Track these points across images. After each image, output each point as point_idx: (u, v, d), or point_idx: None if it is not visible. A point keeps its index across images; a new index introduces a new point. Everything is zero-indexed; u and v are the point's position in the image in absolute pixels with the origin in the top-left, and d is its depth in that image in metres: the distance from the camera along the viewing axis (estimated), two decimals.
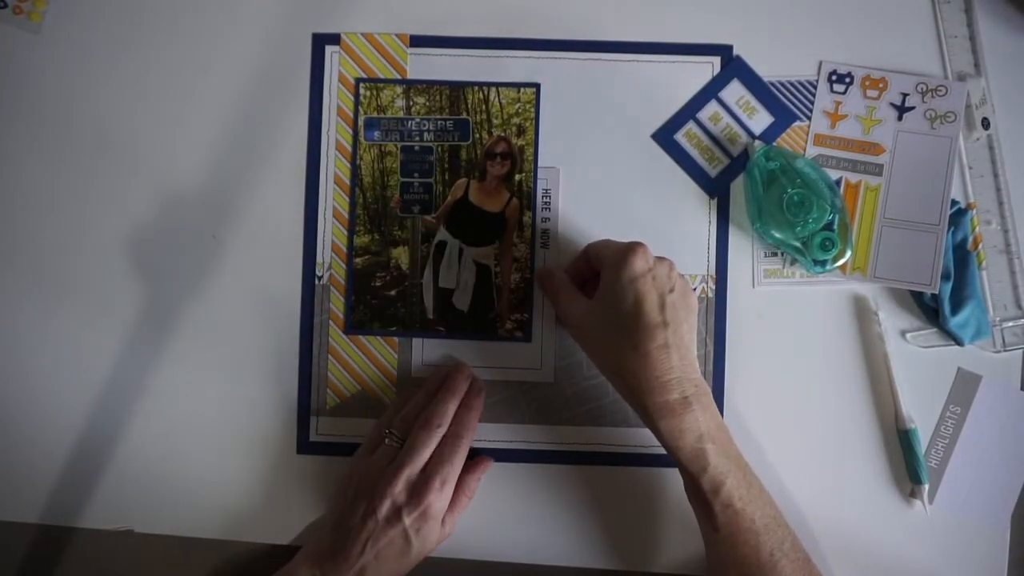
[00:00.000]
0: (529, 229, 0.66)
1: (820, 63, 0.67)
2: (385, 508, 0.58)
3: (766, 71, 0.67)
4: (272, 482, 0.66)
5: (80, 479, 0.66)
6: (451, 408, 0.62)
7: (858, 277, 0.66)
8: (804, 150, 0.66)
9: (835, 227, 0.63)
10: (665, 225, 0.67)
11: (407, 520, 0.58)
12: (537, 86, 0.67)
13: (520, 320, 0.66)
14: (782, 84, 0.67)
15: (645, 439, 0.64)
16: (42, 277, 0.66)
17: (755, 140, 0.66)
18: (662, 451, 0.61)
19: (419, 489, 0.58)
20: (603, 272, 0.58)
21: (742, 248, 0.66)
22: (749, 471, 0.58)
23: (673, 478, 0.65)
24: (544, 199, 0.67)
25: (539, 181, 0.66)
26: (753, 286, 0.66)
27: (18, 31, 0.67)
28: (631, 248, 0.57)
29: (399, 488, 0.58)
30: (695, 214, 0.67)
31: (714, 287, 0.66)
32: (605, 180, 0.67)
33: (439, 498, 0.58)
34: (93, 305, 0.66)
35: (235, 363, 0.66)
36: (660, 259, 0.58)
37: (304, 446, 0.66)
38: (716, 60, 0.67)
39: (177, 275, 0.66)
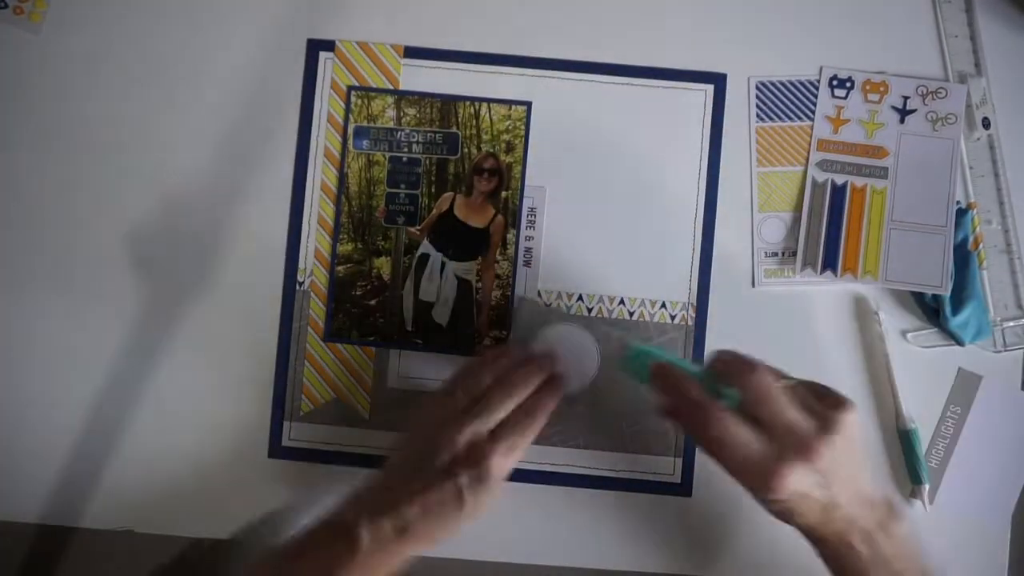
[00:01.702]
0: (513, 246, 0.66)
1: (821, 68, 0.67)
2: (441, 459, 0.54)
3: (767, 74, 0.67)
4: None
5: (80, 479, 0.66)
6: (534, 383, 0.58)
7: (869, 280, 0.65)
8: (807, 155, 0.66)
9: None
10: (648, 253, 0.66)
11: (463, 478, 0.53)
12: (528, 104, 0.67)
13: (499, 337, 0.66)
14: (783, 84, 0.67)
15: (622, 463, 0.66)
16: (40, 277, 0.66)
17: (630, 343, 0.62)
18: (635, 476, 0.65)
19: (483, 448, 0.54)
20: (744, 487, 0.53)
21: (742, 247, 0.66)
22: None
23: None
24: (529, 217, 0.66)
25: (525, 199, 0.66)
26: (753, 286, 0.66)
27: (18, 31, 0.67)
28: (774, 474, 0.50)
29: (462, 442, 0.54)
30: (679, 240, 0.66)
31: (694, 315, 0.66)
32: (591, 202, 0.66)
33: (502, 463, 0.54)
34: (92, 305, 0.66)
35: (219, 365, 0.66)
36: (817, 447, 0.51)
37: (275, 450, 0.66)
38: (710, 88, 0.67)
39: (174, 275, 0.66)
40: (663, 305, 0.66)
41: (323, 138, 0.67)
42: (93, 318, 0.66)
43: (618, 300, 0.66)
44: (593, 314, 0.66)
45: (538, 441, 0.63)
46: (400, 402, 0.66)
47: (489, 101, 0.67)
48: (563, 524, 0.66)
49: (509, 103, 0.67)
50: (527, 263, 0.66)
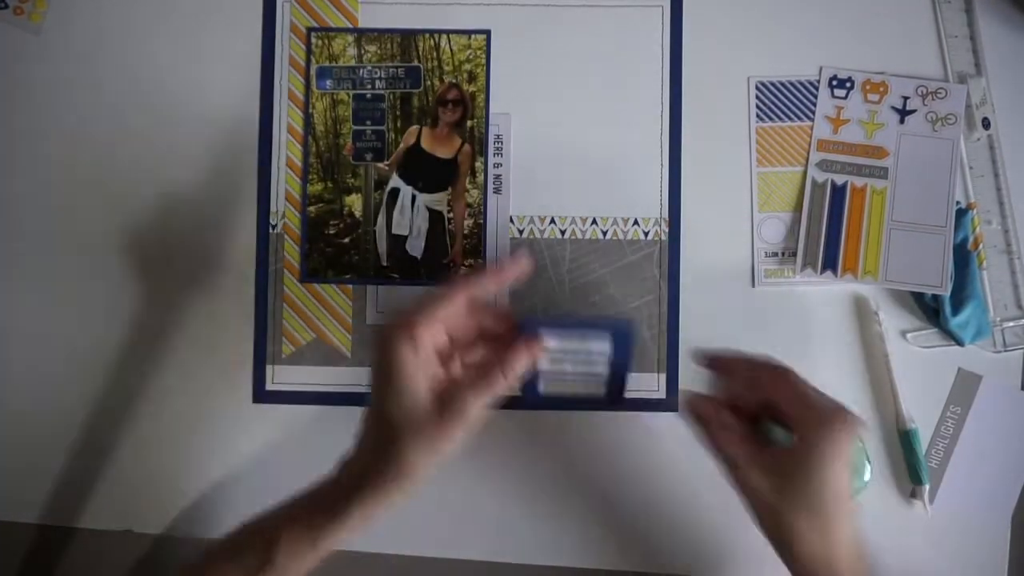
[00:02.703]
0: (481, 175, 0.67)
1: (821, 68, 0.67)
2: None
3: (767, 74, 0.67)
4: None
5: (80, 479, 0.66)
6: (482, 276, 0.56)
7: (869, 281, 0.65)
8: (807, 155, 0.66)
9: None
10: (617, 171, 0.67)
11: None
12: (488, 32, 0.67)
13: (474, 265, 0.67)
14: (783, 84, 0.67)
15: None
16: (40, 277, 0.66)
17: None
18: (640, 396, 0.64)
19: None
20: (805, 439, 0.51)
21: (742, 247, 0.66)
22: None
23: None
24: (496, 144, 0.67)
25: (491, 127, 0.67)
26: (753, 286, 0.66)
27: (18, 31, 0.67)
28: (848, 426, 0.50)
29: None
30: (647, 156, 0.67)
31: (667, 230, 0.66)
32: (557, 125, 0.67)
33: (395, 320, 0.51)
34: (93, 305, 0.66)
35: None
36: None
37: (260, 395, 0.66)
38: (666, 3, 0.67)
39: (175, 274, 0.66)
40: (635, 222, 0.66)
41: (286, 81, 0.67)
42: (93, 318, 0.66)
43: (590, 220, 0.67)
44: (566, 236, 0.66)
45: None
46: None
47: (448, 32, 0.67)
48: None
49: (468, 33, 0.67)
50: (497, 190, 0.67)
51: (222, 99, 0.67)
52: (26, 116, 0.67)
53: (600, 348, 0.54)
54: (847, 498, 0.50)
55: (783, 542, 0.51)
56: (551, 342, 0.54)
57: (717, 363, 0.57)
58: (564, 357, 0.55)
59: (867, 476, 0.63)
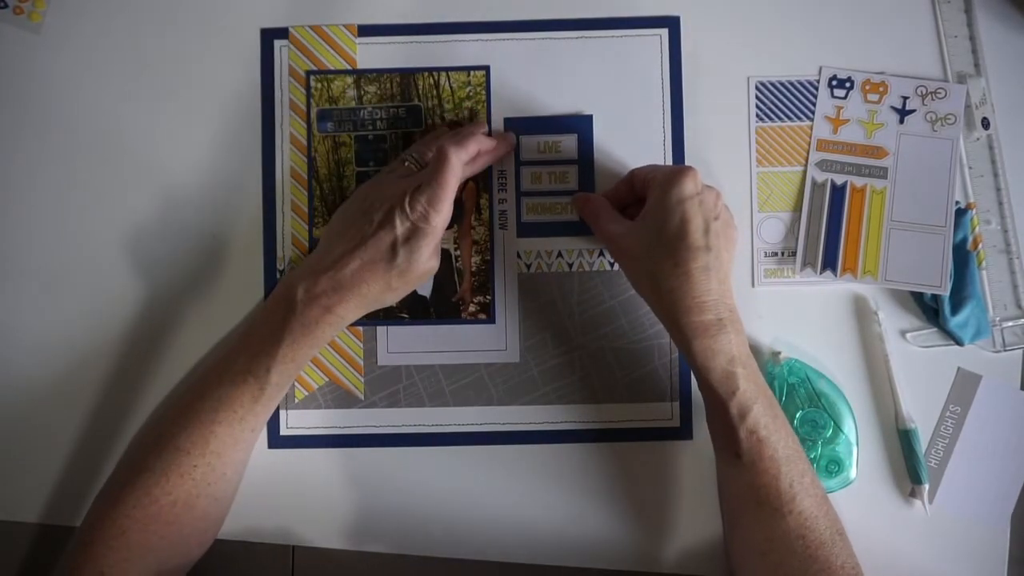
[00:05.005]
0: (487, 211, 0.66)
1: (820, 68, 0.67)
2: (381, 212, 0.58)
3: (767, 74, 0.67)
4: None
5: (80, 479, 0.65)
6: (469, 143, 0.60)
7: (868, 280, 0.66)
8: (807, 155, 0.66)
9: (840, 450, 0.64)
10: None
11: (399, 228, 0.57)
12: (487, 68, 0.67)
13: (483, 302, 0.66)
14: (782, 84, 0.67)
15: (616, 415, 0.66)
16: (40, 276, 0.66)
17: (780, 353, 0.65)
18: (635, 426, 0.64)
19: (413, 202, 0.57)
20: (651, 192, 0.59)
21: (741, 247, 0.66)
22: (774, 402, 0.58)
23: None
24: (500, 180, 0.67)
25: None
26: (753, 286, 0.66)
27: (18, 31, 0.67)
28: (683, 170, 0.57)
29: (397, 195, 0.58)
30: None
31: None
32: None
33: (426, 214, 0.57)
34: (92, 304, 0.66)
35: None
36: (708, 187, 0.59)
37: (275, 440, 0.66)
38: (664, 32, 0.67)
39: (173, 274, 0.66)
40: None
41: (287, 125, 0.67)
42: (93, 317, 0.66)
43: (597, 252, 0.67)
44: (574, 269, 0.66)
45: (535, 400, 0.66)
46: (393, 378, 0.66)
47: (447, 70, 0.67)
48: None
49: (467, 69, 0.67)
50: (503, 226, 0.67)
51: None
52: (26, 116, 0.67)
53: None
54: (694, 234, 0.56)
55: (653, 290, 0.57)
56: None
57: (587, 202, 0.64)
58: None
59: (853, 474, 0.64)
